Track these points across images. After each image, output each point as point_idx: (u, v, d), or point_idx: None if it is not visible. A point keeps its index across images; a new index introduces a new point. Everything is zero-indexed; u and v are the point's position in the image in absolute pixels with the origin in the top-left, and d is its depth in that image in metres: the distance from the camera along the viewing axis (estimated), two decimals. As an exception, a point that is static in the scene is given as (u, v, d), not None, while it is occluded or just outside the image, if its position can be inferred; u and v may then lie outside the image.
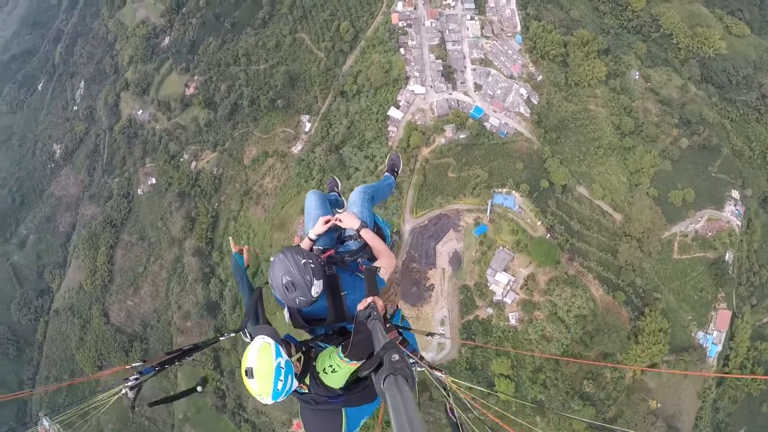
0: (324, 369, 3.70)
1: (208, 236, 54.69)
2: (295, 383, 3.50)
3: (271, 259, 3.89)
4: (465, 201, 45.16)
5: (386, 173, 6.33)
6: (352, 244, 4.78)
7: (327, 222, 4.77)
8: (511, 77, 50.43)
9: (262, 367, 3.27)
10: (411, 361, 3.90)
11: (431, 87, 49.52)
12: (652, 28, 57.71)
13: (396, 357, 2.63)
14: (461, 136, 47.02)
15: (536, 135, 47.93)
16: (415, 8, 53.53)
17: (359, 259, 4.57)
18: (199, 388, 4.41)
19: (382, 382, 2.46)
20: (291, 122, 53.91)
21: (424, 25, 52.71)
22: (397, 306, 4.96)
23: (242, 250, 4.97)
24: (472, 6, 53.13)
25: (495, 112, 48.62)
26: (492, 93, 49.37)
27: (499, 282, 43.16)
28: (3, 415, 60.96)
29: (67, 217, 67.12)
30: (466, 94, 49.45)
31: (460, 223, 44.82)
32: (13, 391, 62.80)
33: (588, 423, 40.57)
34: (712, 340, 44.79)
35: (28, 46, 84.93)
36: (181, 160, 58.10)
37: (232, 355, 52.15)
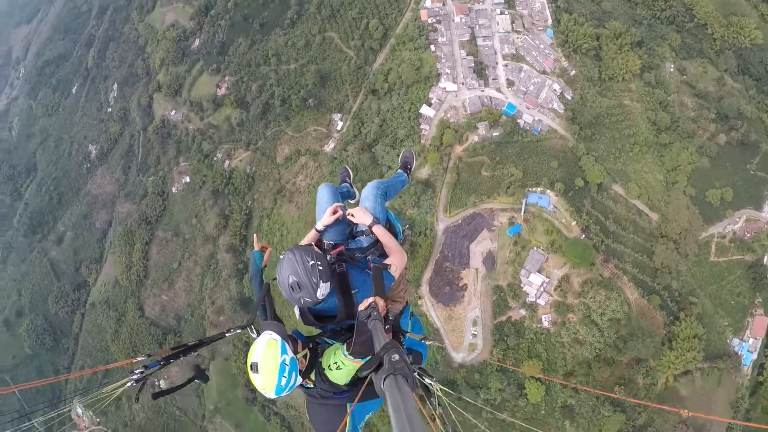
0: (329, 366, 3.74)
1: (241, 233, 55.77)
2: (299, 379, 3.56)
3: (281, 256, 3.90)
4: (499, 200, 44.69)
5: (399, 170, 6.29)
6: (364, 240, 4.76)
7: (335, 212, 4.72)
8: (544, 72, 49.55)
9: (267, 363, 3.34)
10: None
11: (463, 84, 49.03)
12: (686, 18, 55.71)
13: (396, 357, 2.65)
14: (495, 134, 46.51)
15: (570, 132, 47.05)
16: (443, 4, 52.93)
17: (369, 257, 4.56)
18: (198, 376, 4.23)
19: (382, 382, 2.48)
20: (323, 121, 54.32)
21: (453, 20, 52.15)
22: (407, 302, 4.94)
23: (264, 248, 4.91)
24: (502, 0, 52.43)
25: (528, 108, 47.91)
26: (525, 89, 48.63)
27: (533, 283, 42.64)
28: (37, 400, 63.29)
29: (104, 214, 69.40)
30: (498, 90, 48.83)
31: (494, 223, 44.43)
32: (48, 377, 65.72)
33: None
34: (748, 347, 43.32)
35: (61, 51, 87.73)
36: (215, 158, 59.32)
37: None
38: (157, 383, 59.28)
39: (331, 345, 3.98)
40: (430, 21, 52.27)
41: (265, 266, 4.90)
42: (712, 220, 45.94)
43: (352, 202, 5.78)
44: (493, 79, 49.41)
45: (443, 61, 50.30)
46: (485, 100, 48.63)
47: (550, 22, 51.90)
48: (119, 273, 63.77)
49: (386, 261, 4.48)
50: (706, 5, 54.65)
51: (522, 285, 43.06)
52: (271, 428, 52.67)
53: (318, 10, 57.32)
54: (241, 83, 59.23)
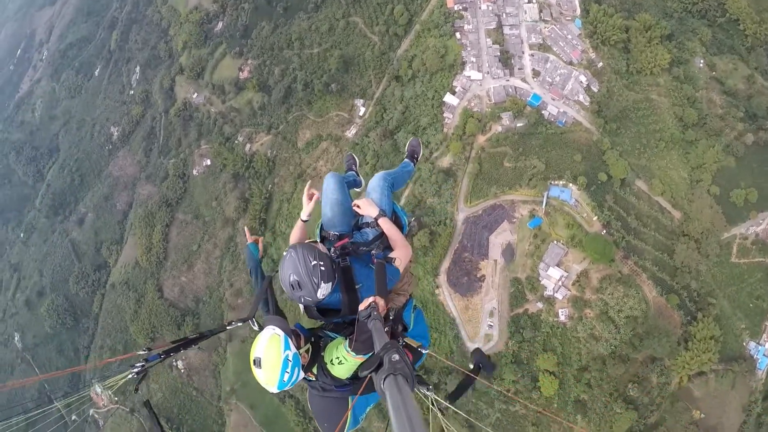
0: (331, 360, 3.76)
1: (261, 217, 56.15)
2: (302, 374, 3.57)
3: (284, 253, 3.88)
4: (520, 192, 44.39)
5: (406, 159, 6.13)
6: (369, 232, 4.76)
7: (310, 198, 4.94)
8: (571, 63, 48.70)
9: (270, 358, 3.34)
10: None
11: (488, 73, 48.44)
12: (718, 13, 54.01)
13: (396, 357, 2.66)
14: (518, 125, 46.02)
15: (596, 125, 46.34)
16: (470, -9, 52.35)
17: (374, 251, 4.55)
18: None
19: (382, 381, 2.49)
20: (345, 106, 54.15)
21: (480, 8, 51.37)
22: (411, 295, 4.91)
23: (257, 241, 4.97)
24: (530, -12, 51.51)
25: (553, 99, 47.26)
26: (551, 80, 47.91)
27: (551, 277, 42.50)
28: (59, 381, 65.13)
29: (125, 196, 70.44)
30: (523, 80, 48.16)
31: (514, 215, 44.23)
32: (68, 357, 67.77)
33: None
34: (764, 351, 42.67)
35: (83, 33, 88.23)
36: (236, 142, 59.54)
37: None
38: (174, 364, 60.74)
39: (334, 339, 4.00)
40: (456, 8, 51.57)
41: (263, 257, 5.01)
42: (735, 220, 45.06)
43: (357, 190, 5.72)
44: (518, 68, 48.74)
45: (468, 49, 49.72)
46: (510, 89, 48.07)
47: (578, 12, 50.85)
48: (139, 254, 64.87)
49: (391, 254, 4.46)
50: (739, 0, 53.08)
51: (540, 278, 42.97)
52: (286, 410, 53.76)
53: (342, -5, 56.97)
54: (264, 67, 59.18)
